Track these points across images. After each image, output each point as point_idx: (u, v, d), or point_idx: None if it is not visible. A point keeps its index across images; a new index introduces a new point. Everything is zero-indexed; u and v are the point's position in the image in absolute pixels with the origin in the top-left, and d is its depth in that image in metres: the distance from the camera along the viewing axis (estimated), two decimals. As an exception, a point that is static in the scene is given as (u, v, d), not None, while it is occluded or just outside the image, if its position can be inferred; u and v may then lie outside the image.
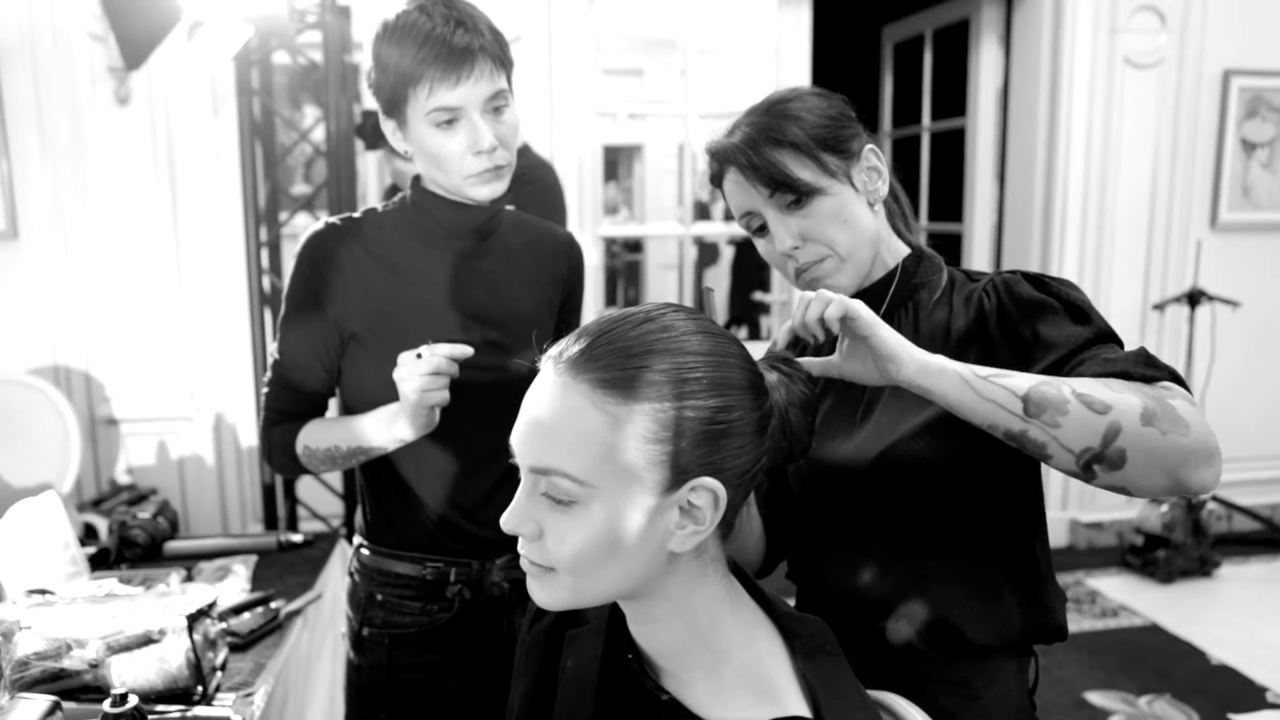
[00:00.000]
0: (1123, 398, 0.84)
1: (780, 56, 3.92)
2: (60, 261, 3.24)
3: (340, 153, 2.76)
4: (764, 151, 1.04)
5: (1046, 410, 0.84)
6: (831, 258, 1.06)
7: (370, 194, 3.53)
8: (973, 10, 4.15)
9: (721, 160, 1.09)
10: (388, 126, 1.32)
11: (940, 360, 0.87)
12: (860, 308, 0.88)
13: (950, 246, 4.29)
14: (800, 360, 0.91)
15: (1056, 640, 1.06)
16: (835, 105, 1.08)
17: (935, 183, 4.64)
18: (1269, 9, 3.89)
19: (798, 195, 1.04)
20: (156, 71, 3.18)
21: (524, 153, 2.54)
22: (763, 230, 1.08)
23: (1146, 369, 0.89)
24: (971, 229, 4.30)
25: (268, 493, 2.99)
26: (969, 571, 1.03)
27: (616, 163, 8.13)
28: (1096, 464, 0.84)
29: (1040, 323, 0.97)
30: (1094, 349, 0.94)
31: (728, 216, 2.22)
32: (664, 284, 7.49)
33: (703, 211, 7.09)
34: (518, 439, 0.79)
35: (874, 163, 1.09)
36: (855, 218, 1.06)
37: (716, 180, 1.11)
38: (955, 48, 4.33)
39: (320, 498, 3.23)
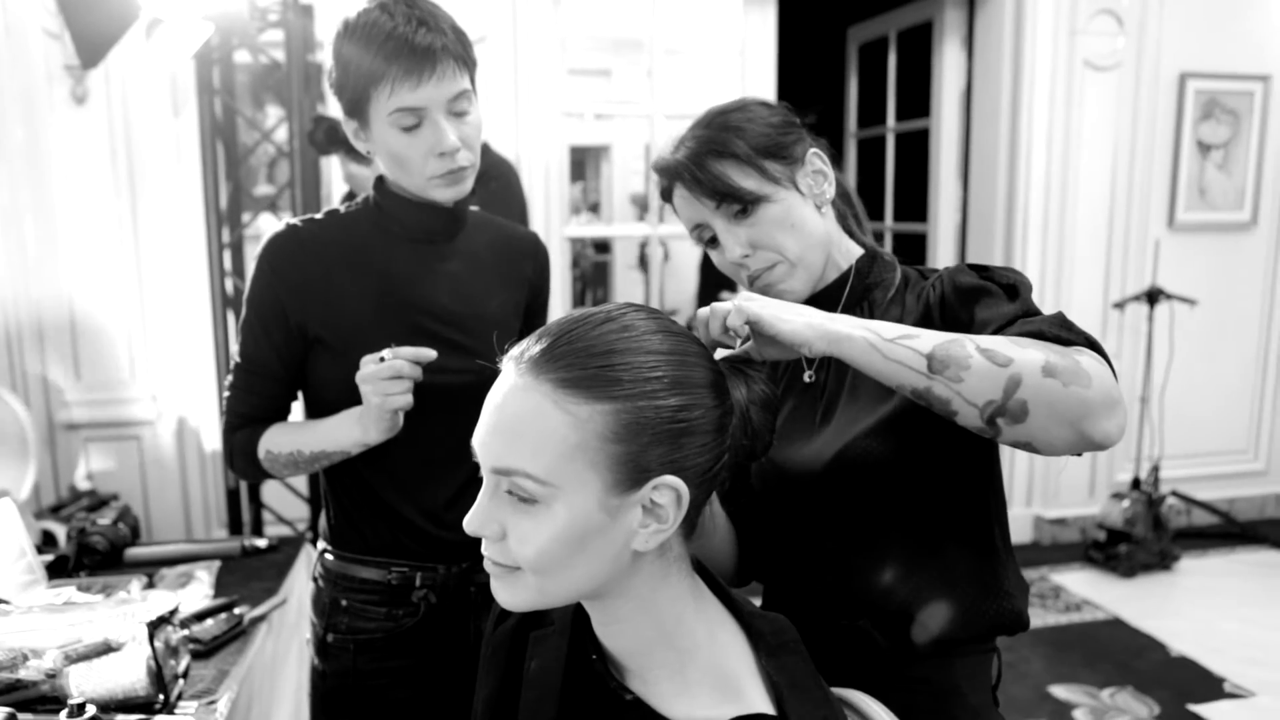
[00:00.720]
0: (1025, 352, 0.85)
1: (746, 57, 3.94)
2: (17, 262, 3.18)
3: (304, 153, 2.74)
4: (707, 165, 1.06)
5: (950, 366, 0.85)
6: (782, 263, 1.08)
7: (335, 194, 3.50)
8: (936, 12, 4.20)
9: (669, 177, 1.10)
10: (349, 127, 1.30)
11: (846, 327, 0.88)
12: (758, 309, 0.89)
13: (915, 246, 4.31)
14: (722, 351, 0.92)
15: (1018, 629, 1.07)
16: (777, 113, 1.10)
17: (900, 183, 4.69)
18: (1224, 13, 3.96)
19: (743, 204, 1.06)
20: (115, 70, 3.13)
21: (485, 151, 2.52)
22: (714, 242, 1.10)
23: (1061, 331, 0.90)
24: (936, 229, 4.35)
25: (232, 497, 2.95)
26: (929, 565, 1.04)
27: (584, 163, 8.12)
28: (999, 417, 0.85)
29: (976, 306, 0.99)
30: (1021, 322, 0.95)
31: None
32: (631, 284, 7.49)
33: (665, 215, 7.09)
34: (479, 440, 0.78)
35: (819, 166, 1.10)
36: (803, 221, 1.07)
37: (666, 196, 1.13)
38: (919, 49, 4.37)
39: (286, 502, 3.20)
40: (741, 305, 0.89)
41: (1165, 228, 4.06)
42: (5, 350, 3.21)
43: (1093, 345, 0.89)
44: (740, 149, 1.05)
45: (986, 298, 0.99)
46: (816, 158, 1.10)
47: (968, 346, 0.86)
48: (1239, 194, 4.11)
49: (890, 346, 0.87)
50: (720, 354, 0.90)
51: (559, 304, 3.71)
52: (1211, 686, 2.92)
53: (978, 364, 0.84)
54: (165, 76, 3.21)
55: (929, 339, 0.87)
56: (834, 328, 0.88)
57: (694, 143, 1.07)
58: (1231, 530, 4.16)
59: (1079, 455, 0.89)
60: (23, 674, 1.25)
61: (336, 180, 3.54)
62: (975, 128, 4.14)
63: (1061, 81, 3.84)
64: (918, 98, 4.41)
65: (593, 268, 7.98)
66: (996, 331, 0.94)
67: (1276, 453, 4.41)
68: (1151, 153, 3.99)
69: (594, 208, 7.88)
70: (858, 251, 1.14)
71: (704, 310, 0.91)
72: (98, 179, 3.22)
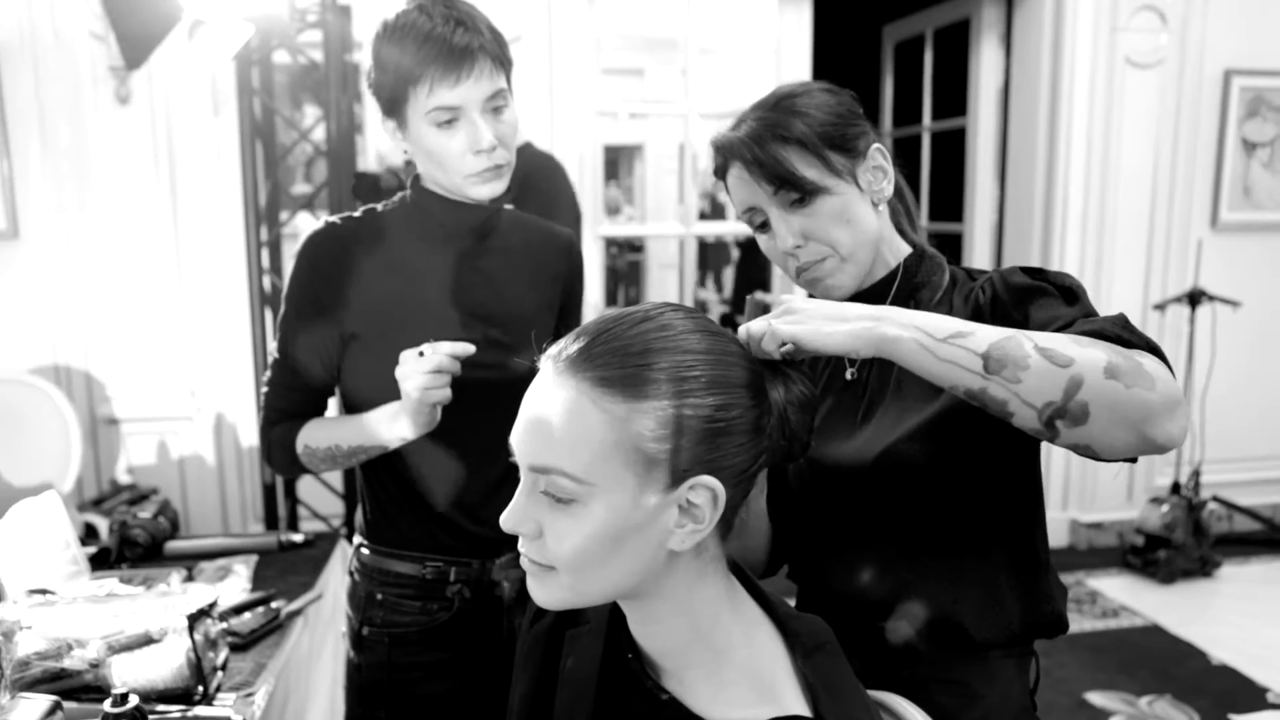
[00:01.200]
0: (1086, 352, 0.82)
1: (781, 56, 3.92)
2: (61, 261, 3.24)
3: (341, 152, 2.76)
4: (769, 147, 1.02)
5: (1007, 366, 0.81)
6: (832, 257, 1.05)
7: (371, 194, 3.53)
8: (973, 10, 4.15)
9: (726, 154, 1.07)
10: (388, 126, 1.32)
11: (894, 329, 0.84)
12: (792, 330, 0.84)
13: (951, 246, 4.27)
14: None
15: (1058, 632, 1.06)
16: (844, 102, 1.07)
17: (936, 182, 4.64)
18: (1269, 9, 3.88)
19: (802, 194, 1.03)
20: (157, 71, 3.18)
21: (528, 150, 2.53)
22: (765, 226, 1.07)
23: (1122, 332, 0.87)
24: (972, 228, 4.30)
25: (268, 492, 2.99)
26: (969, 568, 1.03)
27: (617, 162, 8.12)
28: (1059, 419, 0.81)
29: (1031, 306, 0.96)
30: (1080, 322, 0.93)
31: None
32: (665, 283, 7.49)
33: (717, 210, 7.07)
34: (517, 438, 0.79)
35: (880, 162, 1.08)
36: (858, 218, 1.05)
37: (720, 173, 1.10)
38: (956, 47, 4.32)
39: (321, 497, 3.23)
40: (776, 329, 0.84)
41: (1208, 228, 3.98)
42: (50, 346, 3.28)
43: (1153, 350, 0.86)
44: (805, 135, 1.02)
45: (1042, 298, 0.96)
46: (879, 153, 1.08)
47: (1025, 345, 0.82)
48: (1285, 193, 4.03)
49: (942, 347, 0.83)
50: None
51: (592, 304, 3.72)
52: (1254, 696, 2.86)
53: (1036, 364, 0.81)
54: (206, 77, 3.26)
55: (983, 336, 0.83)
56: (881, 331, 0.84)
57: (757, 123, 1.04)
58: (1274, 537, 4.08)
59: (1134, 461, 0.86)
60: (67, 663, 1.27)
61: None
62: (1013, 126, 4.09)
63: (1102, 79, 3.78)
64: (954, 96, 4.36)
65: (628, 266, 8.00)
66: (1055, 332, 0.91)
67: (1322, 458, 4.32)
68: (1194, 152, 3.92)
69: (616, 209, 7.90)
70: (906, 250, 1.12)
71: (740, 332, 0.87)
72: (140, 178, 3.27)
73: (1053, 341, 0.83)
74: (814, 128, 1.03)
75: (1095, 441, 0.82)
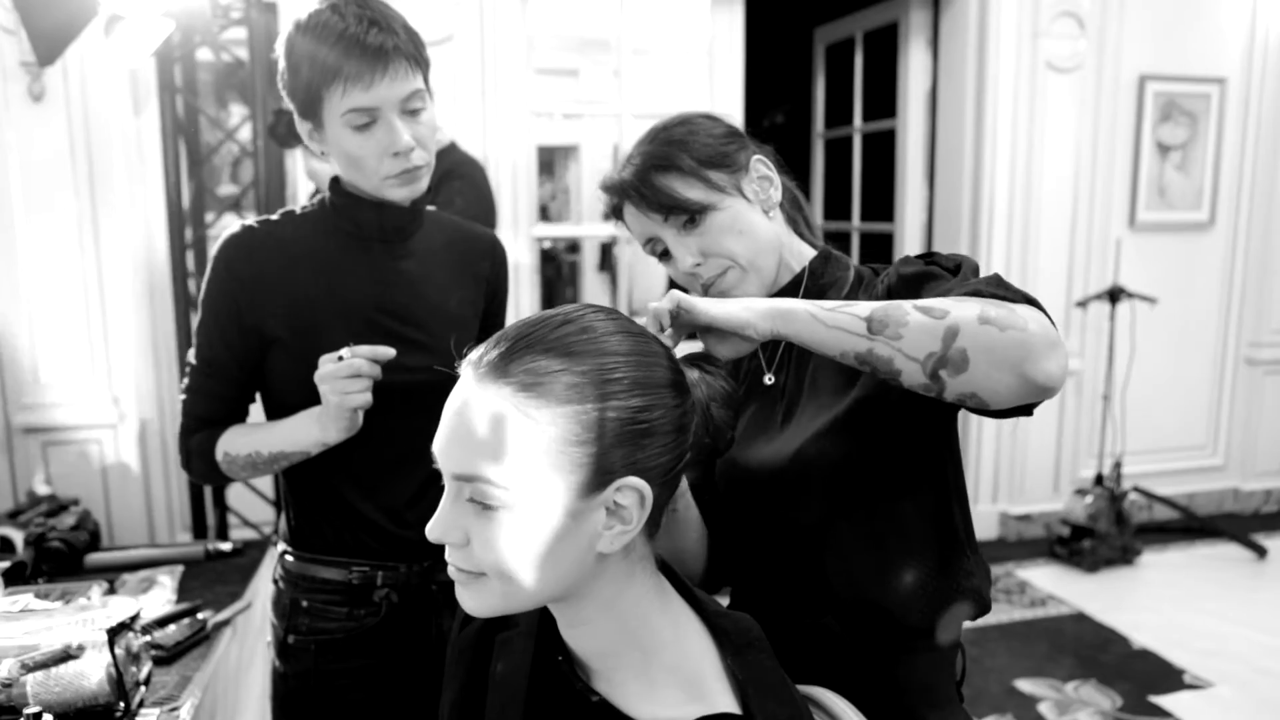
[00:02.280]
0: (961, 303, 0.86)
1: (713, 57, 3.95)
2: (-28, 264, 3.12)
3: (268, 152, 2.71)
4: (652, 180, 1.08)
5: (889, 325, 0.86)
6: (734, 269, 1.10)
7: (300, 194, 3.46)
8: (901, 13, 4.23)
9: (618, 194, 1.13)
10: (303, 128, 1.29)
11: (786, 304, 0.91)
12: (686, 298, 0.92)
13: (882, 245, 4.35)
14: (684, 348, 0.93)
15: (981, 613, 1.08)
16: (719, 124, 1.13)
17: (867, 183, 4.72)
18: (1182, 16, 4.03)
19: (690, 214, 1.08)
20: (73, 67, 3.07)
21: (451, 150, 2.51)
22: (666, 255, 1.12)
23: (997, 289, 0.91)
24: (902, 228, 4.38)
25: (196, 501, 2.92)
26: (891, 556, 1.05)
27: (552, 163, 8.09)
28: (941, 369, 0.85)
29: (923, 289, 1.00)
30: (959, 284, 0.96)
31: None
32: (600, 285, 7.48)
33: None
34: (440, 446, 0.78)
35: (764, 171, 1.13)
36: (751, 227, 1.10)
37: (616, 214, 1.16)
38: (886, 50, 4.40)
39: (251, 504, 3.16)
40: (672, 294, 0.91)
41: (1126, 227, 4.12)
42: (-39, 353, 3.15)
43: (1031, 302, 0.89)
44: (684, 162, 1.08)
45: (932, 280, 1.00)
46: (760, 164, 1.13)
47: (904, 306, 0.87)
48: (1197, 194, 4.19)
49: (831, 315, 0.88)
50: (681, 351, 0.91)
51: (527, 305, 3.70)
52: (1172, 678, 2.97)
53: (915, 319, 0.86)
54: (125, 74, 3.15)
55: (867, 304, 0.89)
56: (772, 306, 0.90)
57: (640, 159, 1.10)
58: (1192, 525, 4.24)
59: (1030, 414, 0.89)
60: (-22, 683, 1.22)
61: (302, 179, 3.50)
62: (940, 128, 4.18)
63: (1024, 83, 3.89)
64: (884, 98, 4.44)
65: (558, 269, 7.96)
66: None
67: (1235, 448, 4.50)
68: (1113, 153, 4.05)
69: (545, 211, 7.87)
70: (810, 253, 1.16)
71: (649, 312, 0.93)
72: (56, 178, 3.16)
73: (930, 301, 0.88)
74: (691, 152, 1.09)
75: (979, 388, 0.85)
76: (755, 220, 1.10)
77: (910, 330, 0.86)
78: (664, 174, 1.08)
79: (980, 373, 0.84)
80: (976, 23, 3.88)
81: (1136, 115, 4.04)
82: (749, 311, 0.90)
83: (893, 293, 1.03)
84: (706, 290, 1.11)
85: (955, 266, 1.01)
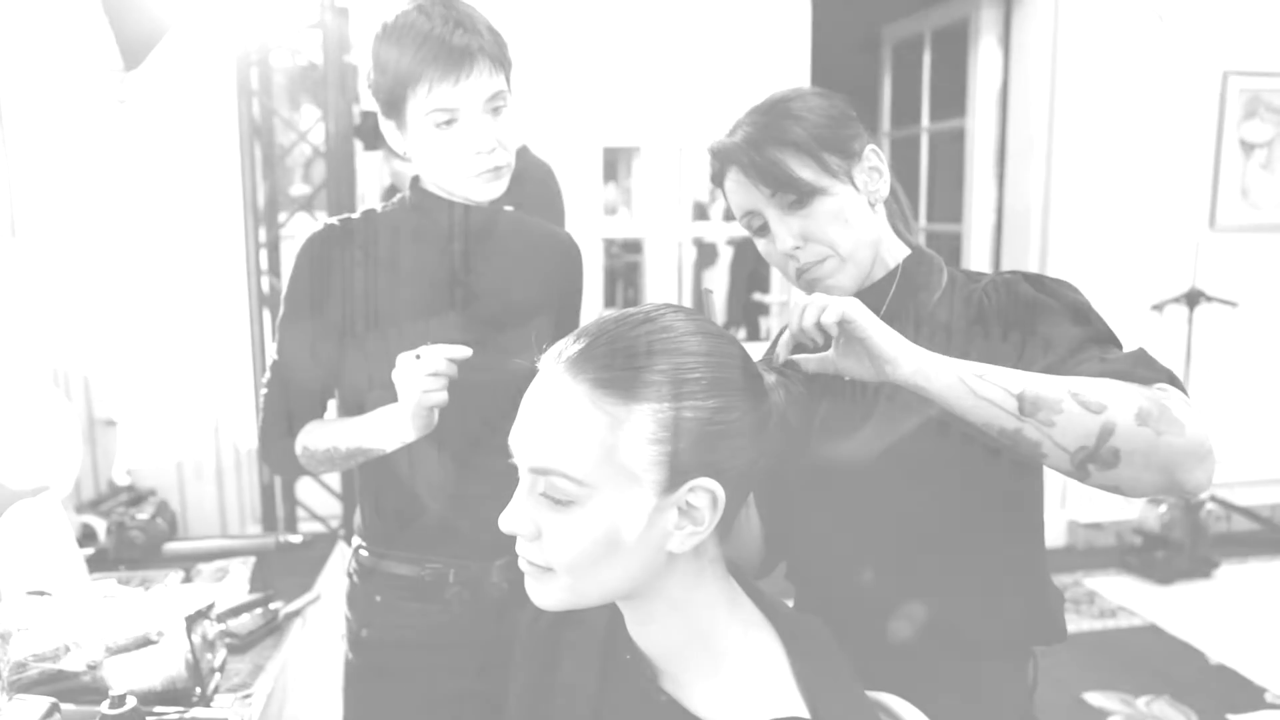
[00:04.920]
0: (1118, 397, 0.84)
1: (779, 56, 3.93)
2: (59, 262, 3.24)
3: (339, 153, 2.77)
4: (766, 151, 1.04)
5: (1041, 409, 0.84)
6: (832, 258, 1.06)
7: (369, 194, 3.53)
8: (972, 10, 4.15)
9: (723, 160, 1.08)
10: (387, 127, 1.31)
11: (937, 360, 0.87)
12: (856, 310, 0.87)
13: (949, 247, 4.26)
14: (798, 358, 0.91)
15: (1055, 641, 1.06)
16: (837, 105, 1.08)
17: (934, 183, 4.64)
18: (1267, 10, 3.89)
19: (799, 195, 1.04)
20: (156, 72, 3.17)
21: (522, 153, 2.54)
22: (764, 230, 1.08)
23: (1143, 370, 0.89)
24: (970, 229, 4.30)
25: (266, 494, 2.99)
26: (969, 571, 1.03)
27: (616, 163, 8.11)
28: (1091, 463, 0.83)
29: (1040, 323, 0.97)
30: (1093, 349, 0.94)
31: (727, 217, 2.21)
32: (662, 285, 7.48)
33: (700, 212, 7.10)
34: (516, 439, 0.79)
35: (875, 163, 1.09)
36: (856, 218, 1.06)
37: (718, 179, 1.11)
38: (954, 48, 4.33)
39: (319, 498, 3.23)
40: (840, 303, 0.86)
41: (1206, 228, 3.99)
42: (48, 347, 3.27)
43: (1174, 381, 0.89)
44: (800, 138, 1.03)
45: (1050, 315, 0.98)
46: (874, 154, 1.09)
47: (1059, 389, 0.84)
48: (1283, 194, 4.03)
49: (980, 384, 0.85)
50: (784, 351, 0.90)
51: (591, 304, 3.71)
52: (1252, 696, 2.86)
53: (1069, 408, 0.83)
54: (205, 78, 3.25)
55: (1018, 379, 0.86)
56: (923, 356, 0.87)
57: (752, 127, 1.06)
58: (1273, 537, 4.08)
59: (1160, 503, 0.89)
60: (65, 665, 1.27)
61: (372, 180, 3.57)
62: (1011, 127, 4.09)
63: (1099, 79, 3.78)
64: (952, 97, 4.37)
65: (624, 268, 8.00)
66: (1068, 356, 0.94)
67: (1320, 458, 4.32)
68: (1192, 152, 3.92)
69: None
70: (904, 251, 1.13)
71: (806, 297, 0.89)
72: (139, 178, 3.27)
73: (1084, 386, 0.85)
74: (809, 130, 1.04)
75: (1123, 483, 0.84)
76: (861, 211, 1.06)
77: (1064, 419, 0.83)
78: (779, 148, 1.04)
79: (1129, 473, 0.84)
80: (1051, 19, 3.79)
81: (1220, 112, 3.91)
82: (900, 351, 0.86)
83: (1003, 314, 1.01)
84: (799, 275, 1.08)
85: (1069, 304, 0.98)
